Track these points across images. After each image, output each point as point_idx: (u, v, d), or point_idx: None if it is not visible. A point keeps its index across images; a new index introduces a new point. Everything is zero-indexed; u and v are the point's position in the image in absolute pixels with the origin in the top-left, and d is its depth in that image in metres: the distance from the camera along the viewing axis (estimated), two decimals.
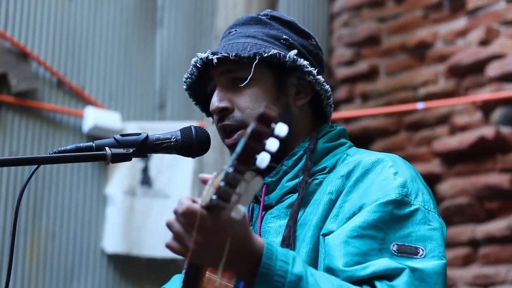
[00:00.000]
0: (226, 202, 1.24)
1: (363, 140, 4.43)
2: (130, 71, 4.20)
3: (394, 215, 1.48)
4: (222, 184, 1.21)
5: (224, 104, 1.65)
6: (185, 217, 1.28)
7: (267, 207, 1.65)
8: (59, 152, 1.59)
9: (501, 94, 3.89)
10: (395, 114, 4.38)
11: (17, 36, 3.81)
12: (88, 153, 1.59)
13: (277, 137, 1.19)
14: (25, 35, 3.85)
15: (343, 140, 1.69)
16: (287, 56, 1.64)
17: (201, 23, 4.43)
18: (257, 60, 1.62)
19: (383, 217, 1.48)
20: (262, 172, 1.22)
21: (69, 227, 3.90)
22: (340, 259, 1.45)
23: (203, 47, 4.32)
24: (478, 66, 4.04)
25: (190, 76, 1.72)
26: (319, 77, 1.67)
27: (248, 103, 1.63)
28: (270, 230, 1.61)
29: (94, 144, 1.61)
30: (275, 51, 1.63)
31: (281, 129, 1.19)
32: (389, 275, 1.42)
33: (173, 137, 1.64)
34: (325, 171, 1.62)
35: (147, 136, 1.63)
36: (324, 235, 1.52)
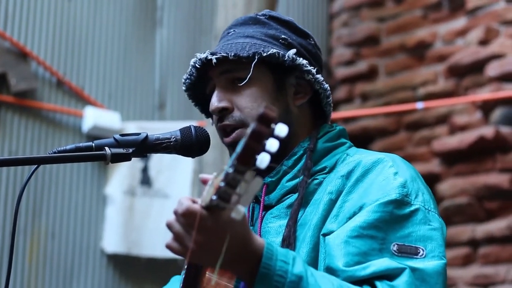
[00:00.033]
0: (226, 203, 1.24)
1: (363, 140, 4.43)
2: (130, 71, 4.20)
3: (394, 215, 1.48)
4: (222, 184, 1.21)
5: (223, 104, 1.65)
6: (185, 217, 1.28)
7: (267, 207, 1.64)
8: (59, 152, 1.59)
9: (501, 94, 3.89)
10: (394, 114, 4.38)
11: (17, 35, 3.81)
12: (87, 153, 1.59)
13: (277, 137, 1.19)
14: (25, 35, 3.85)
15: (343, 140, 1.69)
16: (286, 56, 1.64)
17: (201, 23, 4.43)
18: (256, 60, 1.62)
19: (383, 217, 1.48)
20: (262, 172, 1.22)
21: (69, 227, 3.90)
22: (340, 259, 1.45)
23: (202, 47, 4.32)
24: (478, 66, 4.04)
25: (189, 77, 1.72)
26: (318, 76, 1.67)
27: (248, 103, 1.63)
28: (270, 230, 1.61)
29: (93, 144, 1.61)
30: (274, 50, 1.63)
31: (281, 129, 1.19)
32: (390, 275, 1.42)
33: (173, 137, 1.64)
34: (325, 171, 1.62)
35: (147, 136, 1.63)
36: (324, 235, 1.52)
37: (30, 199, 3.77)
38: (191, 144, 1.65)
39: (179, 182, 4.09)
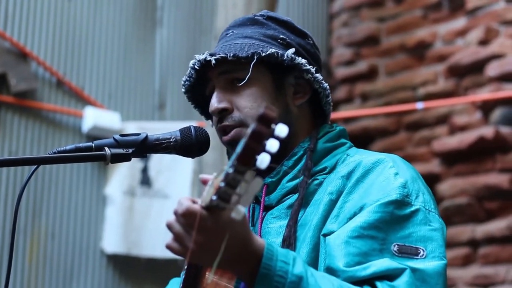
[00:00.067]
0: (226, 203, 1.23)
1: (363, 140, 4.43)
2: (130, 71, 4.20)
3: (394, 216, 1.48)
4: (222, 184, 1.21)
5: (223, 105, 1.65)
6: (185, 217, 1.28)
7: (268, 208, 1.64)
8: (59, 152, 1.59)
9: (501, 94, 3.89)
10: (394, 114, 4.38)
11: (17, 36, 3.81)
12: (87, 153, 1.59)
13: (277, 138, 1.19)
14: (25, 35, 3.85)
15: (343, 140, 1.69)
16: (285, 55, 1.64)
17: (201, 23, 4.43)
18: (255, 60, 1.62)
19: (384, 218, 1.48)
20: (262, 173, 1.22)
21: (69, 227, 3.90)
22: (341, 259, 1.45)
23: (202, 47, 4.32)
24: (478, 66, 4.04)
25: (188, 78, 1.72)
26: (318, 75, 1.67)
27: (247, 103, 1.63)
28: (271, 231, 1.61)
29: (93, 144, 1.61)
30: (273, 50, 1.63)
31: (281, 130, 1.19)
32: (390, 275, 1.42)
33: (173, 137, 1.64)
34: (325, 172, 1.62)
35: (147, 136, 1.63)
36: (325, 235, 1.52)
37: (30, 199, 3.77)
38: (191, 145, 1.65)
39: (179, 182, 4.09)
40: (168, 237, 1.33)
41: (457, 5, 4.27)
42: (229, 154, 1.72)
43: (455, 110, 4.13)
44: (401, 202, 1.50)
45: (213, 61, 1.63)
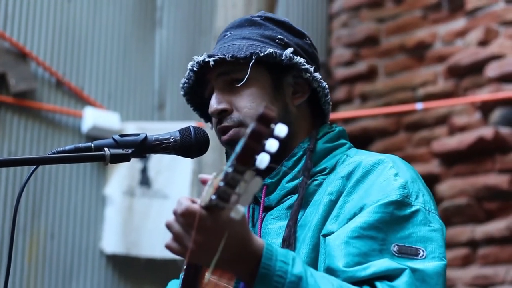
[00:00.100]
0: (225, 202, 1.23)
1: (362, 140, 4.43)
2: (129, 71, 4.20)
3: (394, 216, 1.48)
4: (221, 184, 1.21)
5: (222, 105, 1.65)
6: (184, 217, 1.28)
7: (267, 209, 1.64)
8: (58, 152, 1.59)
9: (500, 94, 3.89)
10: (394, 115, 4.38)
11: (16, 36, 3.81)
12: (87, 154, 1.59)
13: (276, 137, 1.19)
14: (24, 35, 3.85)
15: (342, 140, 1.69)
16: (284, 55, 1.64)
17: (200, 23, 4.43)
18: (253, 60, 1.62)
19: (383, 218, 1.47)
20: (262, 173, 1.22)
21: (68, 227, 3.90)
22: (340, 260, 1.45)
23: (202, 47, 4.32)
24: (477, 67, 4.04)
25: (187, 81, 1.72)
26: (316, 74, 1.67)
27: (246, 103, 1.63)
28: (270, 232, 1.61)
29: (93, 145, 1.60)
30: (271, 50, 1.63)
31: (281, 129, 1.19)
32: (390, 276, 1.42)
33: (172, 137, 1.64)
34: (325, 172, 1.62)
35: (146, 136, 1.63)
36: (325, 235, 1.52)
37: (30, 199, 3.77)
38: (190, 145, 1.65)
39: (178, 182, 4.09)
40: (168, 237, 1.33)
41: (457, 5, 4.27)
42: (228, 155, 1.72)
43: (455, 110, 4.13)
44: (401, 203, 1.50)
45: (212, 62, 1.63)
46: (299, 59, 1.65)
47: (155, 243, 3.96)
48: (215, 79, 1.67)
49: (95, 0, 4.11)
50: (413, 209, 1.50)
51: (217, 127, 1.66)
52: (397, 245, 1.46)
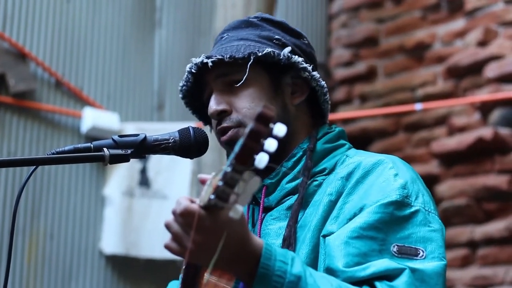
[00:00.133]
0: (224, 202, 1.23)
1: (362, 141, 4.43)
2: (129, 71, 4.20)
3: (394, 216, 1.48)
4: (220, 184, 1.21)
5: (222, 106, 1.65)
6: (183, 217, 1.28)
7: (267, 209, 1.64)
8: (57, 153, 1.59)
9: (500, 95, 3.89)
10: (393, 115, 4.38)
11: (16, 36, 3.81)
12: (86, 154, 1.59)
13: (275, 137, 1.19)
14: (24, 36, 3.85)
15: (342, 141, 1.69)
16: (282, 54, 1.64)
17: (200, 23, 4.43)
18: (252, 60, 1.62)
19: (383, 218, 1.47)
20: (261, 174, 1.22)
21: (67, 228, 3.89)
22: (340, 260, 1.45)
23: (201, 48, 4.32)
24: (477, 67, 4.04)
25: (185, 83, 1.72)
26: (314, 73, 1.67)
27: (245, 103, 1.63)
28: (270, 232, 1.61)
29: (92, 145, 1.60)
30: (269, 49, 1.63)
31: (280, 129, 1.19)
32: (389, 276, 1.42)
33: (171, 138, 1.64)
34: (325, 173, 1.62)
35: (145, 137, 1.63)
36: (325, 236, 1.52)
37: (29, 200, 3.77)
38: (189, 145, 1.65)
39: (178, 183, 4.09)
40: (167, 237, 1.33)
41: (456, 6, 4.27)
42: (228, 155, 1.72)
43: (454, 111, 4.13)
44: (401, 203, 1.50)
45: (210, 64, 1.63)
46: (297, 58, 1.65)
47: (155, 244, 3.96)
48: (213, 81, 1.67)
49: (95, 0, 4.11)
50: (413, 209, 1.50)
51: (217, 128, 1.66)
52: (397, 245, 1.46)
